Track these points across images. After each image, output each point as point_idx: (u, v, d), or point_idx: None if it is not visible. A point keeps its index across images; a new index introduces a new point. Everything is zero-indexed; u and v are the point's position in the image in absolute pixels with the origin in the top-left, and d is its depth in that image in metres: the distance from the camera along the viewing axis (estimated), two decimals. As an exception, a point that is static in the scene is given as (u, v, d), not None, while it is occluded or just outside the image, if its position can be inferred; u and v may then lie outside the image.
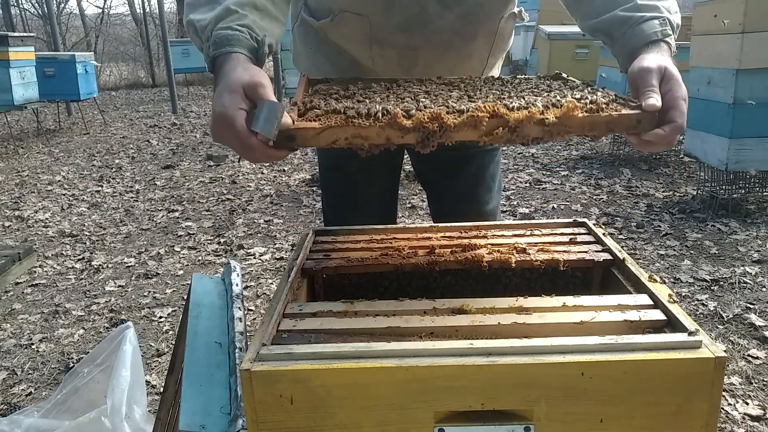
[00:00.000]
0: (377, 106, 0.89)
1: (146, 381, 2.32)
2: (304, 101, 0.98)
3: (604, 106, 0.91)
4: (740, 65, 3.68)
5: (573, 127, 0.87)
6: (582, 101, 0.92)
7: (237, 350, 1.03)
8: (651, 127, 0.90)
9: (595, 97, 0.95)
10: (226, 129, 0.86)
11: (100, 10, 20.69)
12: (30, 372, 2.55)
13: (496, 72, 1.45)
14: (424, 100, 0.97)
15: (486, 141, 0.87)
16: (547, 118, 0.86)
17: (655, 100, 0.90)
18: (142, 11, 19.11)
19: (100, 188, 5.66)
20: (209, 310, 1.17)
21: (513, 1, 1.31)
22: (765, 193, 4.18)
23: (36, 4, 18.27)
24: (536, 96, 0.98)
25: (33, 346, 2.76)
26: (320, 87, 1.15)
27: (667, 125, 0.91)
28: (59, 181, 5.99)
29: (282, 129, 0.85)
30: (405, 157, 1.61)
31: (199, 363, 1.01)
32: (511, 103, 0.90)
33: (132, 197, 5.30)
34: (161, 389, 1.71)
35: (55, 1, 14.95)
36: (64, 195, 5.46)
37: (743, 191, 4.12)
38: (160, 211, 4.84)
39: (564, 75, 1.21)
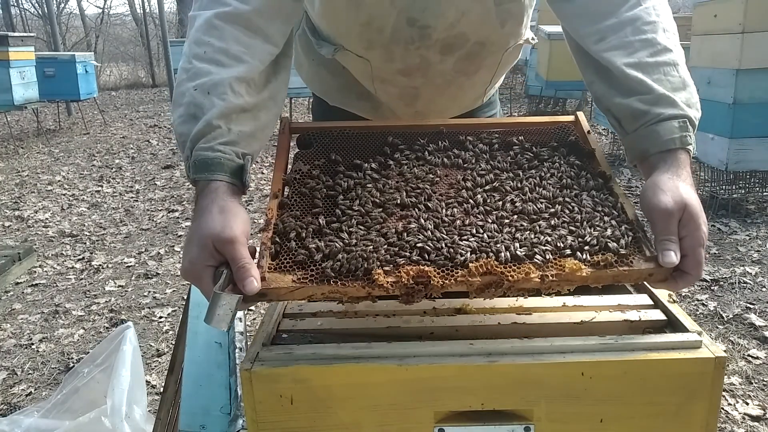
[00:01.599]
0: (357, 261, 0.80)
1: (146, 381, 2.32)
2: (276, 226, 0.88)
3: (614, 261, 0.80)
4: (740, 65, 3.68)
5: (575, 282, 0.79)
6: (592, 257, 0.80)
7: (237, 350, 1.03)
8: (664, 278, 0.81)
9: (613, 245, 0.82)
10: (193, 281, 0.82)
11: (100, 10, 20.70)
12: (30, 372, 2.55)
13: (498, 83, 1.40)
14: (412, 237, 0.84)
15: (477, 296, 0.81)
16: (546, 276, 0.78)
17: (673, 254, 0.79)
18: (142, 11, 19.11)
19: (100, 188, 5.66)
20: (209, 311, 1.17)
21: (520, 34, 1.19)
22: (765, 193, 4.18)
23: (36, 4, 18.29)
24: (548, 221, 0.86)
25: (33, 346, 2.76)
26: (298, 180, 0.96)
27: (680, 277, 0.81)
28: (59, 181, 5.99)
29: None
30: None
31: (199, 363, 1.01)
32: (510, 251, 0.81)
33: (132, 197, 5.30)
34: (161, 389, 1.71)
35: (55, 1, 14.96)
36: (64, 195, 5.46)
37: (743, 191, 4.12)
38: (160, 211, 4.84)
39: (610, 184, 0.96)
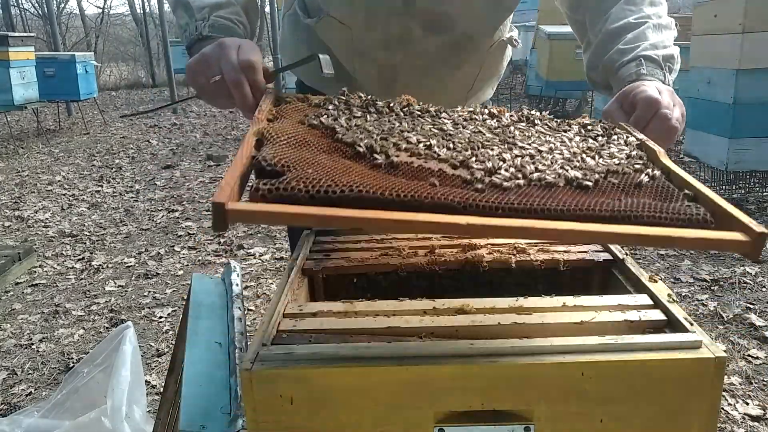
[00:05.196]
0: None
1: (146, 381, 2.32)
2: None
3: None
4: (740, 65, 3.68)
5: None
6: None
7: (237, 350, 1.03)
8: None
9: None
10: (219, 54, 0.90)
11: (100, 10, 20.70)
12: (30, 372, 2.55)
13: (489, 93, 1.39)
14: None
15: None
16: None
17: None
18: (142, 11, 19.12)
19: (100, 188, 5.66)
20: (209, 310, 1.17)
21: (501, 28, 1.24)
22: (765, 193, 4.18)
23: (36, 4, 18.28)
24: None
25: (33, 346, 2.76)
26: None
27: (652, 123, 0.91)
28: (59, 181, 5.99)
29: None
30: None
31: (199, 363, 1.01)
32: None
33: (132, 197, 5.30)
34: (161, 389, 1.71)
35: (55, 1, 14.95)
36: (64, 195, 5.46)
37: (743, 191, 4.12)
38: (160, 211, 4.84)
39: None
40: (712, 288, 3.01)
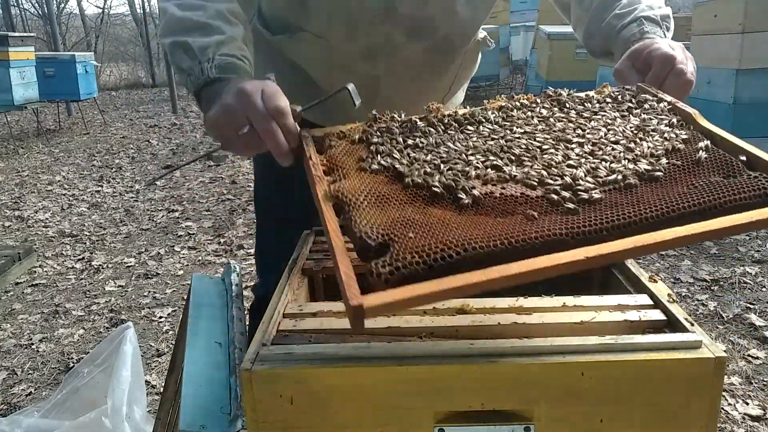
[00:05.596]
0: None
1: (146, 381, 2.33)
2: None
3: None
4: (740, 65, 3.68)
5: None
6: None
7: (237, 350, 1.03)
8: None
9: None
10: (244, 103, 0.83)
11: (100, 10, 20.70)
12: (30, 372, 2.55)
13: (461, 95, 1.38)
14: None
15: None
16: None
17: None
18: (142, 11, 19.09)
19: (100, 188, 5.66)
20: (209, 310, 1.17)
21: (477, 29, 1.22)
22: (765, 193, 4.18)
23: (36, 4, 18.27)
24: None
25: (33, 346, 2.76)
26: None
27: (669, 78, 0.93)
28: (59, 181, 5.99)
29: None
30: None
31: (199, 363, 1.01)
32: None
33: (132, 197, 5.30)
34: (161, 389, 1.71)
35: (55, 1, 14.95)
36: (64, 195, 5.46)
37: (743, 191, 4.12)
38: (160, 211, 4.84)
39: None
40: (712, 288, 3.01)
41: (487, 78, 7.86)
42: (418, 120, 0.91)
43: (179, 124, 9.37)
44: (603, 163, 0.79)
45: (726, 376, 2.20)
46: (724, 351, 0.69)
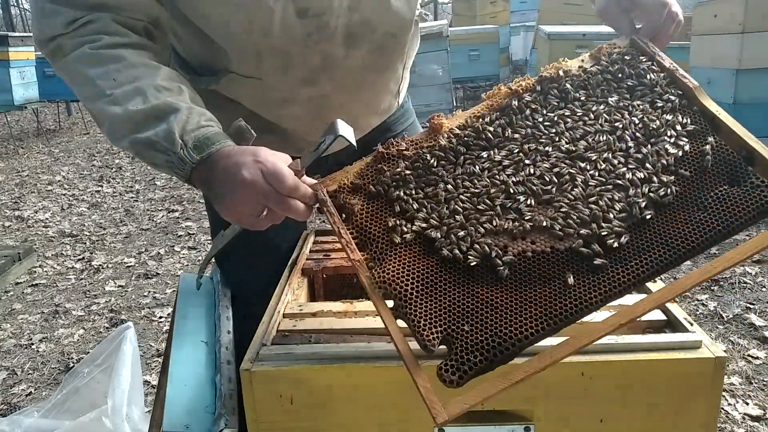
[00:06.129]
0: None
1: (146, 381, 2.33)
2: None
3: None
4: (740, 65, 3.68)
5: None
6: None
7: (223, 348, 1.03)
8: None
9: None
10: (254, 192, 0.79)
11: (100, 10, 20.64)
12: (30, 372, 2.55)
13: (408, 75, 1.30)
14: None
15: None
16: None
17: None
18: (142, 11, 19.07)
19: (100, 188, 5.66)
20: (196, 310, 1.16)
21: (414, 14, 1.12)
22: (765, 193, 4.18)
23: (36, 4, 18.25)
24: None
25: (33, 346, 2.76)
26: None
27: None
28: (59, 181, 5.99)
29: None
30: None
31: (185, 363, 1.01)
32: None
33: (132, 197, 5.30)
34: (161, 389, 1.71)
35: (55, 1, 14.89)
36: (64, 195, 5.46)
37: (743, 191, 4.12)
38: (160, 211, 4.84)
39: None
40: (712, 288, 3.00)
41: (487, 78, 7.85)
42: (427, 154, 0.87)
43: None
44: (618, 192, 0.80)
45: (726, 376, 2.20)
46: (724, 351, 0.69)
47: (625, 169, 0.81)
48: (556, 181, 0.82)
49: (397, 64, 1.16)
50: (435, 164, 0.86)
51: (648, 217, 0.76)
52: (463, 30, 7.83)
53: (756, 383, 2.22)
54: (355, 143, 0.86)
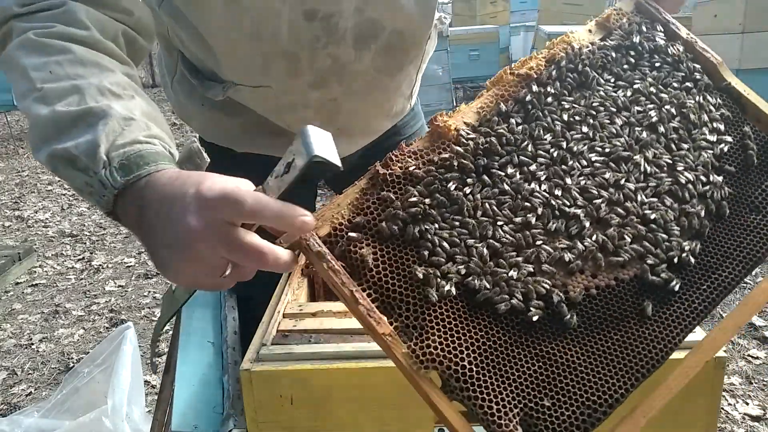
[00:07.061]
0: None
1: (146, 381, 2.33)
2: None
3: None
4: (740, 65, 3.68)
5: None
6: None
7: (230, 349, 1.03)
8: None
9: None
10: (209, 241, 0.56)
11: (100, 10, 20.67)
12: (30, 372, 2.55)
13: (419, 83, 1.26)
14: None
15: None
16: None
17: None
18: (142, 11, 19.10)
19: (100, 188, 5.66)
20: (202, 310, 1.16)
21: (435, 11, 1.06)
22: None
23: (36, 4, 18.26)
24: None
25: (33, 346, 2.76)
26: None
27: None
28: (59, 181, 5.99)
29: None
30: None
31: (192, 363, 1.01)
32: None
33: (132, 197, 5.30)
34: (161, 389, 1.71)
35: (55, 1, 14.90)
36: (64, 195, 5.46)
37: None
38: (160, 211, 4.84)
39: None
40: (712, 288, 3.01)
41: (488, 78, 7.86)
42: (445, 174, 0.68)
43: (179, 123, 9.36)
44: (670, 200, 0.70)
45: (726, 376, 2.20)
46: (724, 351, 0.69)
47: (674, 171, 0.71)
48: (605, 195, 0.69)
49: (410, 66, 1.11)
50: (454, 189, 0.67)
51: (704, 230, 0.68)
52: (463, 30, 7.82)
53: (756, 383, 2.22)
54: (339, 163, 0.58)
